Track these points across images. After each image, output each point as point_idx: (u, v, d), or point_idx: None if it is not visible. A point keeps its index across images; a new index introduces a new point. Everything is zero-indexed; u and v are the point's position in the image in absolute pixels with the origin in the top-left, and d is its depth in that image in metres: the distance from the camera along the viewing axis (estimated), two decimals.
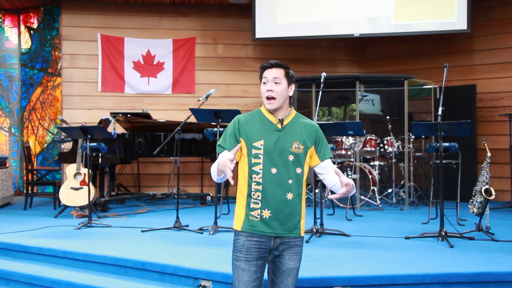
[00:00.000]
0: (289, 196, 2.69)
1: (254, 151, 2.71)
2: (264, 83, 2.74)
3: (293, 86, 2.77)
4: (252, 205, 2.71)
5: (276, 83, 2.71)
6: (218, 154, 2.82)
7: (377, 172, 7.59)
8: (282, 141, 2.70)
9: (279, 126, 2.73)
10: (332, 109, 9.69)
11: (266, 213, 2.69)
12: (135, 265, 4.38)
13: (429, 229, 5.50)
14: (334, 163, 7.34)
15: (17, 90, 9.46)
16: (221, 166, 2.60)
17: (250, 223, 2.72)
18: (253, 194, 2.71)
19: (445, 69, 5.26)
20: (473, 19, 8.09)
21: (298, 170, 2.72)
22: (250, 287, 2.69)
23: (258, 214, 2.70)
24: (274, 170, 2.68)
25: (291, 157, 2.69)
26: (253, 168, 2.71)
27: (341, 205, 7.29)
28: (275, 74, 2.71)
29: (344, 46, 9.58)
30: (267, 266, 2.82)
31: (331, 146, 6.94)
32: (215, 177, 2.75)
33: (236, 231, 2.77)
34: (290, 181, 2.69)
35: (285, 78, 2.73)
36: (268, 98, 2.72)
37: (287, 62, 2.84)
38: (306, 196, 7.92)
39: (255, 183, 2.70)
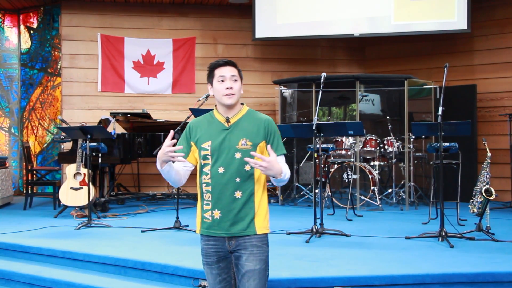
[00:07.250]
0: (238, 194, 2.64)
1: (203, 153, 2.71)
2: (222, 81, 2.71)
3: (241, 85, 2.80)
4: (204, 207, 2.70)
5: (234, 80, 2.72)
6: None
7: (377, 172, 7.58)
8: (228, 139, 2.67)
9: (226, 125, 2.71)
10: (332, 109, 9.68)
11: (217, 214, 2.67)
12: (135, 265, 4.38)
13: (429, 229, 5.49)
14: (334, 163, 7.40)
15: (17, 90, 9.46)
16: (164, 156, 2.58)
17: (205, 225, 2.71)
18: (205, 196, 2.70)
19: (445, 69, 5.26)
20: (473, 19, 8.08)
21: (247, 167, 2.65)
22: None
23: (210, 216, 2.68)
24: (221, 170, 2.66)
25: (238, 155, 2.65)
26: (203, 170, 2.71)
27: (341, 205, 7.28)
28: (232, 72, 2.72)
29: (344, 46, 9.57)
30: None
31: (331, 146, 6.93)
32: (166, 177, 2.74)
33: (200, 235, 2.78)
34: (237, 179, 2.65)
35: (239, 77, 2.76)
36: (227, 94, 2.71)
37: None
38: (306, 196, 7.99)
39: (205, 184, 2.70)
